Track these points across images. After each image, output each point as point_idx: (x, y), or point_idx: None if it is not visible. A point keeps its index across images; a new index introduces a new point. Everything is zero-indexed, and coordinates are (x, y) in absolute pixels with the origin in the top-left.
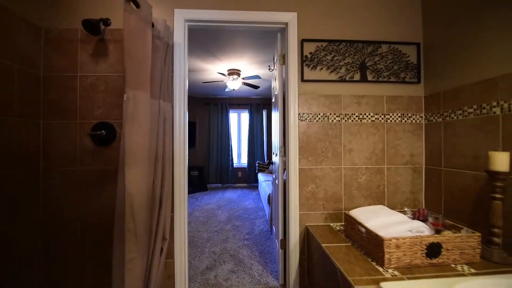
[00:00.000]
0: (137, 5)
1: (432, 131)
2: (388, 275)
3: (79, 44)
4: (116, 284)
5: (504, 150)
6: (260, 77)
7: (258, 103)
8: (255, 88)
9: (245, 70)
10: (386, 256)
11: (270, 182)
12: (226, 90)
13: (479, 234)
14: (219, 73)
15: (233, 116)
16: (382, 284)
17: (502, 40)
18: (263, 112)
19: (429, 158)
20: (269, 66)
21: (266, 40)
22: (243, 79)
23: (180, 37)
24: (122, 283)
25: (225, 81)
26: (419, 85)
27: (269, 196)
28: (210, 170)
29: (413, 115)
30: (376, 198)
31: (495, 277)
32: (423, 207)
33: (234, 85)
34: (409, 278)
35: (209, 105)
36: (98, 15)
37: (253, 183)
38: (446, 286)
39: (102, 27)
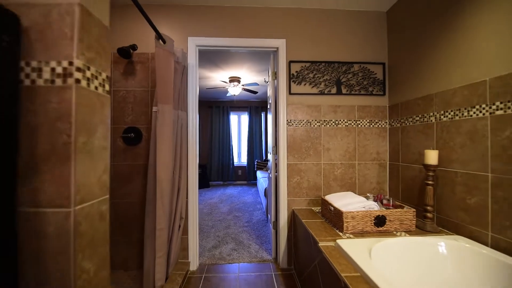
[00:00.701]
0: (164, 41)
1: (393, 134)
2: (344, 237)
3: (112, 65)
4: (147, 249)
5: (436, 149)
6: (258, 84)
7: (257, 106)
8: (254, 93)
9: (244, 77)
10: (345, 224)
11: (266, 178)
12: (227, 95)
13: (414, 209)
14: (222, 81)
15: (233, 118)
16: (337, 240)
17: (437, 67)
18: (262, 114)
19: (392, 155)
20: (264, 79)
21: (263, 53)
22: (243, 85)
23: (192, 59)
24: (152, 248)
25: (226, 87)
26: (384, 97)
27: (265, 189)
28: (212, 168)
29: (379, 121)
30: (349, 187)
31: (416, 237)
32: (388, 194)
33: (234, 91)
34: (357, 237)
35: (211, 108)
36: (128, 41)
37: (252, 181)
38: (376, 241)
39: (131, 51)
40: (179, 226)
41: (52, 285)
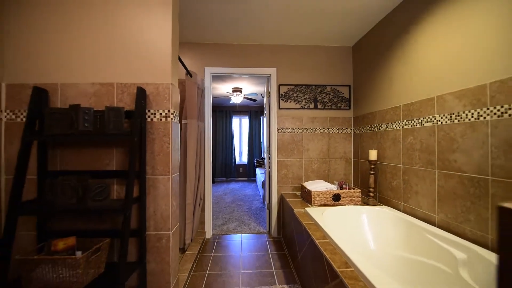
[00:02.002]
0: (191, 75)
1: (355, 138)
2: (311, 207)
3: None
4: (181, 217)
5: (376, 149)
6: (257, 94)
7: (256, 110)
8: (254, 101)
9: (246, 88)
10: (312, 199)
11: (263, 173)
12: (230, 102)
13: (359, 190)
14: (226, 91)
15: (235, 121)
16: (306, 208)
17: (379, 92)
18: (261, 118)
19: (354, 154)
20: (261, 94)
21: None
22: (244, 95)
23: (207, 83)
24: (183, 217)
25: (230, 96)
26: (349, 110)
27: (262, 182)
28: (216, 166)
29: (346, 128)
30: (323, 177)
31: (359, 206)
32: (352, 183)
33: (237, 99)
34: (319, 207)
35: (215, 112)
36: None
37: (252, 177)
38: (327, 208)
39: None
40: (199, 205)
41: (162, 211)
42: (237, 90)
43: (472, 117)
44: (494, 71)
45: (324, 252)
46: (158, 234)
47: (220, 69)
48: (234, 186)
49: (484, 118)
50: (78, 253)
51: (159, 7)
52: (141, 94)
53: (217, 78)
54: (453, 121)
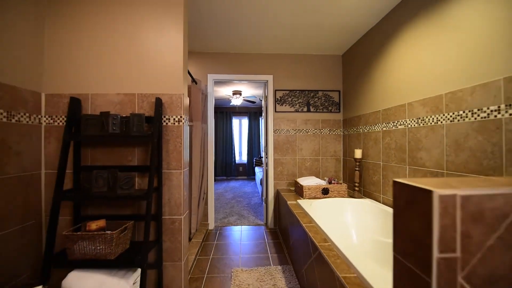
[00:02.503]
0: (196, 82)
1: (344, 139)
2: (303, 200)
3: None
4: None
5: (361, 149)
6: (255, 97)
7: (256, 112)
8: (253, 103)
9: (245, 91)
10: (304, 193)
11: (262, 171)
12: (230, 104)
13: (346, 185)
14: (227, 94)
15: (235, 122)
16: (298, 200)
17: (363, 97)
18: (260, 118)
19: (344, 153)
20: (259, 98)
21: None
22: (244, 97)
23: (210, 89)
24: (190, 209)
25: (230, 98)
26: (339, 113)
27: (261, 179)
28: (217, 165)
29: (336, 130)
30: (315, 174)
31: (344, 198)
32: (342, 179)
33: (237, 101)
34: (310, 199)
35: (216, 113)
36: None
37: (251, 176)
38: (316, 200)
39: None
40: (203, 198)
41: (175, 199)
42: (237, 92)
43: (432, 121)
44: (448, 83)
45: (309, 233)
46: (172, 218)
47: (221, 75)
48: (234, 184)
49: (441, 122)
50: (108, 232)
51: (172, 31)
52: (158, 103)
53: (219, 82)
54: (419, 125)
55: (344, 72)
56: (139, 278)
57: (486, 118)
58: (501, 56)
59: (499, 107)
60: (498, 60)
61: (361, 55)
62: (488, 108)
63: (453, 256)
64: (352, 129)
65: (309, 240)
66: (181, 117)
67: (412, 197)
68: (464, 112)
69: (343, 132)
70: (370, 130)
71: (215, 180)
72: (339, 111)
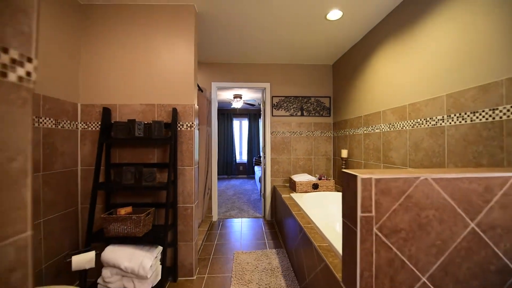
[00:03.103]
0: (202, 91)
1: (334, 140)
2: (295, 193)
3: None
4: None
5: (347, 149)
6: (255, 100)
7: (255, 113)
8: (252, 105)
9: (245, 94)
10: (297, 187)
11: (260, 170)
12: (231, 107)
13: (333, 180)
14: (228, 98)
15: (236, 123)
16: (291, 194)
17: (349, 103)
18: (259, 120)
19: (334, 153)
20: (258, 103)
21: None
22: (244, 101)
23: (214, 95)
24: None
25: (231, 102)
26: (330, 117)
27: (259, 177)
28: (219, 164)
29: (327, 132)
30: (308, 172)
31: (330, 192)
32: (332, 176)
33: (237, 104)
34: (301, 192)
35: (218, 115)
36: None
37: (251, 175)
38: (306, 193)
39: None
40: (207, 193)
41: (188, 190)
42: (237, 96)
43: (399, 127)
44: (410, 96)
45: (297, 217)
46: (185, 206)
47: (224, 83)
48: (234, 182)
49: (405, 127)
50: (137, 216)
51: (186, 53)
52: (175, 112)
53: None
54: (390, 129)
55: (334, 80)
56: (159, 254)
57: (435, 125)
58: (445, 77)
59: (443, 117)
60: (443, 80)
61: (348, 66)
62: (436, 117)
63: (370, 215)
64: (340, 132)
65: (297, 224)
66: (192, 123)
67: (348, 180)
68: (421, 120)
69: (333, 134)
70: (354, 133)
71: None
72: (330, 115)
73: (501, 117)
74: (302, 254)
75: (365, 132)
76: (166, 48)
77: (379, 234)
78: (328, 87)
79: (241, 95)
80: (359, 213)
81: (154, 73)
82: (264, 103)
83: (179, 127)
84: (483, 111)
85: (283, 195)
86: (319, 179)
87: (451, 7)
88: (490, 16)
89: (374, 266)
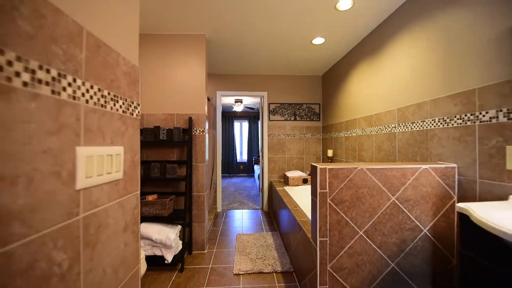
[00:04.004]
0: (209, 100)
1: (323, 142)
2: (288, 186)
3: None
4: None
5: (332, 149)
6: (254, 105)
7: (255, 116)
8: (252, 109)
9: (245, 99)
10: (289, 182)
11: (259, 168)
12: (232, 109)
13: None
14: (230, 102)
15: (237, 124)
16: (284, 187)
17: (334, 110)
18: (258, 122)
19: (323, 152)
20: (257, 107)
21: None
22: (245, 105)
23: (218, 103)
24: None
25: (232, 105)
26: (319, 121)
27: (258, 175)
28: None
29: (317, 134)
30: (300, 169)
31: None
32: None
33: (238, 108)
34: (293, 186)
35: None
36: None
37: (251, 173)
38: (296, 187)
39: None
40: (213, 187)
41: (200, 182)
42: (238, 101)
43: (368, 132)
44: (376, 108)
45: (287, 203)
46: (198, 194)
47: (227, 92)
48: (235, 180)
49: (372, 133)
50: (160, 201)
51: (199, 72)
52: (190, 120)
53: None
54: (362, 133)
55: (323, 89)
56: (179, 231)
57: (390, 132)
58: (397, 95)
59: (395, 125)
60: (396, 97)
61: (334, 78)
62: (391, 125)
63: (325, 191)
64: (327, 134)
65: (287, 208)
66: (203, 129)
67: (314, 169)
68: (382, 127)
69: (322, 136)
70: (338, 136)
71: None
72: (319, 120)
73: (427, 127)
74: (290, 232)
75: (345, 135)
76: (183, 68)
77: (331, 203)
78: (318, 95)
79: (241, 99)
80: (318, 190)
81: (173, 88)
82: (262, 108)
83: (193, 132)
84: (418, 122)
85: (277, 188)
86: (309, 175)
87: (398, 48)
88: (419, 56)
89: (328, 223)
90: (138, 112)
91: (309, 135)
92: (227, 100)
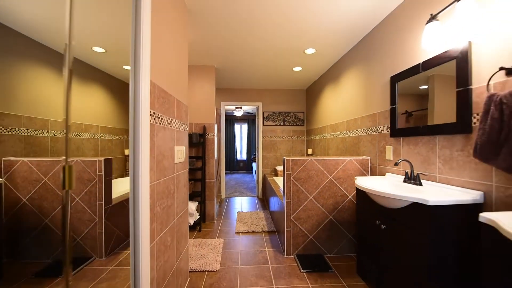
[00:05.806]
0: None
1: (307, 143)
2: (277, 177)
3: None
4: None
5: (311, 148)
6: (252, 110)
7: (253, 119)
8: (251, 114)
9: (245, 107)
10: (278, 173)
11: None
12: (233, 114)
13: None
14: (231, 108)
15: (237, 127)
16: (274, 177)
17: (314, 117)
18: (256, 125)
19: (306, 151)
20: (255, 113)
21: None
22: (244, 111)
23: (222, 111)
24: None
25: (233, 111)
26: (304, 126)
27: (255, 170)
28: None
29: (301, 137)
30: None
31: None
32: None
33: (238, 113)
34: (280, 176)
35: None
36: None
37: (249, 170)
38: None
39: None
40: (219, 178)
41: (211, 171)
42: (239, 107)
43: (332, 136)
44: (336, 118)
45: (273, 187)
46: (210, 180)
47: (230, 102)
48: (236, 176)
49: (334, 137)
50: None
51: (209, 92)
52: (204, 127)
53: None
54: (329, 137)
55: (306, 100)
56: (197, 206)
57: (343, 136)
58: (346, 111)
59: (345, 132)
60: (345, 112)
61: (314, 91)
62: (343, 132)
63: (289, 172)
64: (309, 137)
65: (273, 190)
66: (213, 134)
67: (284, 160)
68: (339, 132)
69: (305, 138)
70: (315, 138)
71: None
72: (303, 125)
73: (359, 134)
74: (276, 210)
75: (320, 138)
76: (198, 88)
77: (293, 180)
78: (302, 105)
79: (241, 106)
80: (285, 172)
81: (193, 105)
82: (257, 116)
83: (206, 136)
84: (355, 130)
85: (269, 179)
86: None
87: (347, 79)
88: (356, 87)
89: (291, 191)
90: (186, 127)
91: (295, 137)
92: (229, 106)
